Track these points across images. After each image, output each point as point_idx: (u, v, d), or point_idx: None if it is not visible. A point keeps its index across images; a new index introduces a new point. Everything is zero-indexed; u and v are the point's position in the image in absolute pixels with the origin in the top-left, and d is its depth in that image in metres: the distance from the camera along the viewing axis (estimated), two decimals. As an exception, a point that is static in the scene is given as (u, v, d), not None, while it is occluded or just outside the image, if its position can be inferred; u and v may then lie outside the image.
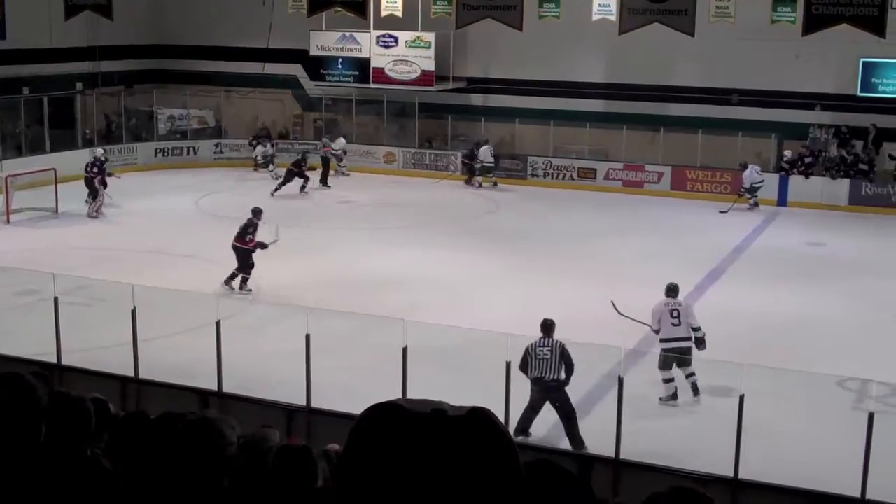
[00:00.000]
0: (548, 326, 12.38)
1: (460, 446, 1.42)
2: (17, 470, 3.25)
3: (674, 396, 13.62)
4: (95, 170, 25.01)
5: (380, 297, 17.75)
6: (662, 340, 13.82)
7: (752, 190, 26.23)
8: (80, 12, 31.04)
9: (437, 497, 1.40)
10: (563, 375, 12.01)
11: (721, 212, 25.13)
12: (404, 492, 1.40)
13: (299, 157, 29.25)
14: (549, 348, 12.10)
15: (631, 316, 14.62)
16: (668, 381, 13.66)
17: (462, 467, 1.41)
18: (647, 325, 14.20)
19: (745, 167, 26.91)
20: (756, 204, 26.69)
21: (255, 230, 18.93)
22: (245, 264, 18.60)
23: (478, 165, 30.19)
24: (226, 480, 4.12)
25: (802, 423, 12.80)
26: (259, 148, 32.22)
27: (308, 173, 28.67)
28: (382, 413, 1.47)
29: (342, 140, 31.98)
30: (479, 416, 1.46)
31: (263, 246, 18.60)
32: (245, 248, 18.60)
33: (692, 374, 13.60)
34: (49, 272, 15.01)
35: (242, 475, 4.77)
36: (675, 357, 13.69)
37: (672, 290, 14.24)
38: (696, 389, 13.59)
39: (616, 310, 14.56)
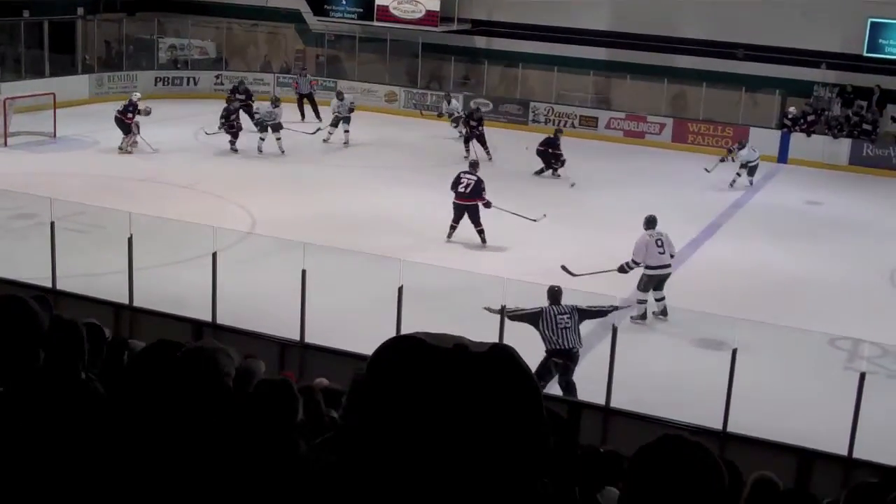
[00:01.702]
0: (556, 294, 12.06)
1: (482, 382, 1.39)
2: (14, 394, 3.24)
3: (643, 317, 14.66)
4: (130, 114, 24.64)
5: (376, 237, 17.73)
6: (648, 267, 14.90)
7: (752, 170, 24.68)
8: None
9: (456, 433, 1.37)
10: (581, 342, 11.86)
11: (706, 170, 24.64)
12: (423, 427, 1.37)
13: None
14: (567, 315, 11.77)
15: (587, 272, 14.91)
16: (642, 302, 14.73)
17: (484, 403, 1.39)
18: (608, 270, 14.99)
19: (742, 147, 25.04)
20: (751, 183, 24.76)
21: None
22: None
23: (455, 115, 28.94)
24: (222, 408, 4.11)
25: (793, 380, 12.85)
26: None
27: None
28: (403, 345, 1.43)
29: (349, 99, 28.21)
30: (501, 353, 1.43)
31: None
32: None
33: (663, 298, 14.85)
34: (46, 196, 14.94)
35: (234, 404, 4.77)
36: (657, 281, 14.74)
37: (651, 222, 15.22)
38: (664, 312, 14.87)
39: (570, 273, 14.57)
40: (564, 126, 28.93)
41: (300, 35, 35.56)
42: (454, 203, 18.51)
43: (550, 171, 24.45)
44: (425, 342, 1.43)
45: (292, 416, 4.41)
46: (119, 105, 24.95)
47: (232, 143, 25.17)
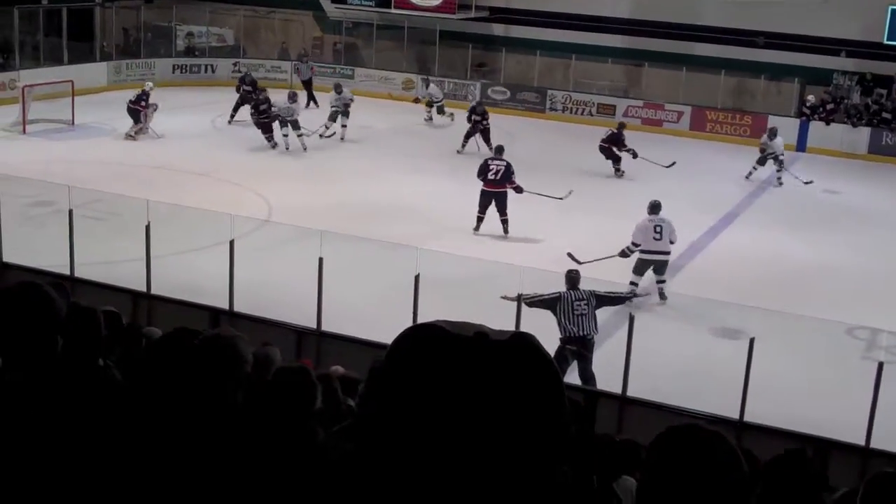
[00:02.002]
0: (574, 279, 11.94)
1: (504, 371, 1.39)
2: (33, 381, 3.25)
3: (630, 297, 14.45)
4: (143, 103, 24.74)
5: (393, 225, 17.73)
6: (642, 252, 15.05)
7: (781, 162, 23.75)
8: (102, -77, 30.71)
9: (477, 420, 1.37)
10: (596, 329, 11.81)
11: (746, 177, 23.81)
12: (443, 415, 1.37)
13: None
14: (584, 301, 11.67)
15: (592, 259, 14.94)
16: (634, 284, 14.67)
17: (505, 392, 1.38)
18: (611, 256, 15.13)
19: (773, 135, 24.19)
20: (780, 181, 23.79)
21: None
22: None
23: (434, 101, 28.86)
24: (240, 396, 4.13)
25: (810, 370, 12.81)
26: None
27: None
28: (423, 333, 1.43)
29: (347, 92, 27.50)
30: (522, 341, 1.43)
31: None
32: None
33: (663, 282, 15.06)
34: (64, 184, 14.99)
35: (252, 391, 4.79)
36: (650, 265, 14.94)
37: (655, 207, 15.37)
38: (662, 295, 15.01)
39: (575, 260, 14.54)
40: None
41: (318, 22, 35.56)
42: (483, 191, 18.15)
43: (613, 170, 23.44)
44: (446, 330, 1.43)
45: (311, 404, 4.42)
46: (132, 94, 25.00)
47: (268, 138, 24.44)
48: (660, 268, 15.12)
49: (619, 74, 31.34)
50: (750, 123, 28.52)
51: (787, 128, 27.39)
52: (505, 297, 11.94)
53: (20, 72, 27.81)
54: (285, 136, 24.14)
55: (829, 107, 28.29)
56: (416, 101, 29.55)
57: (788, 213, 21.13)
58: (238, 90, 26.56)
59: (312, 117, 26.29)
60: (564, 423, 1.43)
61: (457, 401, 1.37)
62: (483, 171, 18.23)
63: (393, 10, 32.96)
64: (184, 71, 33.04)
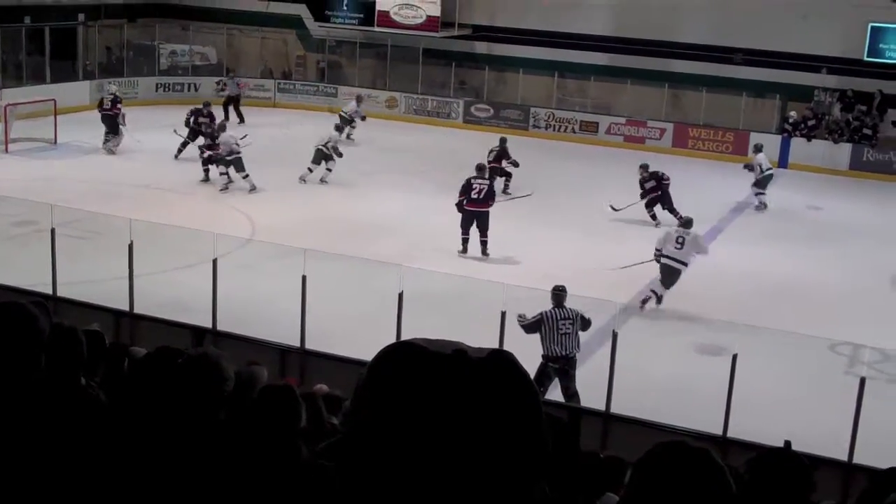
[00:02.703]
0: (560, 296, 11.93)
1: (482, 388, 1.40)
2: (17, 400, 3.24)
3: (656, 301, 15.71)
4: (119, 106, 24.79)
5: (376, 242, 17.73)
6: (663, 256, 15.82)
7: (763, 182, 23.27)
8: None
9: (456, 438, 1.38)
10: (579, 347, 11.86)
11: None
12: (422, 432, 1.38)
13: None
14: (569, 321, 11.70)
15: (632, 263, 16.08)
16: (659, 297, 15.76)
17: (484, 409, 1.39)
18: (648, 260, 15.89)
19: (757, 150, 24.01)
20: (765, 205, 23.32)
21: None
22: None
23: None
24: (222, 415, 4.12)
25: (793, 386, 12.84)
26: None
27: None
28: (402, 351, 1.44)
29: (353, 104, 28.55)
30: (500, 358, 1.44)
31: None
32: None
33: (665, 290, 15.77)
34: (47, 203, 14.95)
35: (236, 410, 4.78)
36: (671, 273, 15.73)
37: (686, 223, 16.29)
38: (659, 300, 15.79)
39: (615, 209, 16.00)
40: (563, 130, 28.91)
41: (301, 41, 35.61)
42: (466, 210, 17.95)
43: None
44: (424, 347, 1.44)
45: (295, 422, 4.42)
46: (105, 102, 25.09)
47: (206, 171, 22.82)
48: (670, 275, 15.73)
49: (601, 92, 31.45)
50: (732, 140, 28.68)
51: (769, 144, 27.46)
52: (521, 319, 11.93)
53: (2, 91, 27.71)
54: (222, 174, 22.03)
55: (810, 123, 28.46)
56: (332, 109, 29.86)
57: (771, 228, 21.23)
58: (188, 123, 24.81)
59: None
60: (542, 439, 1.44)
61: (435, 417, 1.38)
62: (466, 191, 18.02)
63: (376, 29, 33.03)
64: (167, 89, 33.01)
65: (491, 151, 22.71)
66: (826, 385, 12.97)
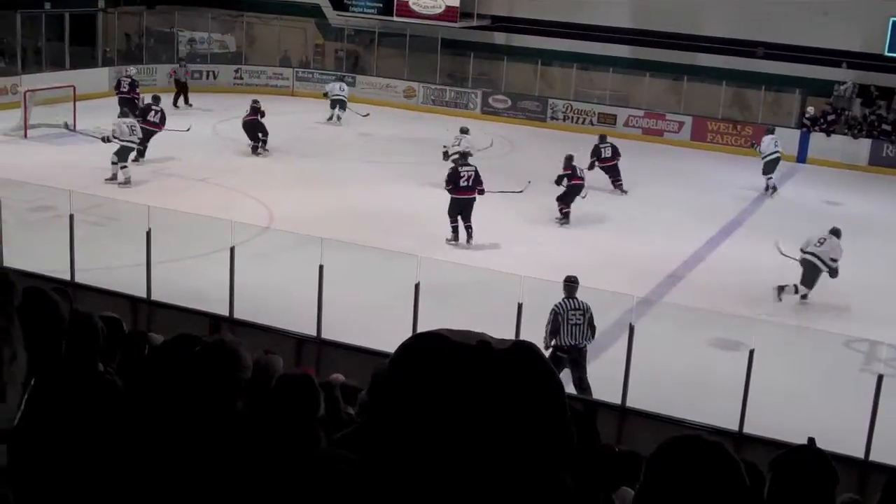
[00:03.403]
0: (572, 287, 11.96)
1: (507, 378, 1.39)
2: (37, 385, 3.25)
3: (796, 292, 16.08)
4: (137, 91, 25.05)
5: (394, 232, 17.72)
6: (805, 252, 16.41)
7: (766, 167, 23.87)
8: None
9: (481, 428, 1.37)
10: (590, 338, 11.87)
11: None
12: (447, 422, 1.37)
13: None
14: (580, 311, 11.73)
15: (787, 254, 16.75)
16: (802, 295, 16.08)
17: (508, 399, 1.39)
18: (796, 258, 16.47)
19: (767, 132, 24.70)
20: (775, 188, 23.96)
21: None
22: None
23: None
24: (239, 403, 4.13)
25: (809, 382, 12.80)
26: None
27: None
28: (427, 342, 1.43)
29: (463, 139, 22.98)
30: (525, 349, 1.43)
31: None
32: None
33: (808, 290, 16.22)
34: (65, 189, 15.00)
35: (253, 399, 4.79)
36: (812, 269, 16.20)
37: (835, 232, 16.72)
38: (804, 297, 16.16)
39: (781, 252, 16.45)
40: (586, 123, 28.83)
41: (320, 30, 35.59)
42: (454, 198, 18.07)
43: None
44: (449, 339, 1.43)
45: (314, 412, 4.42)
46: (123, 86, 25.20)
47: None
48: (811, 272, 16.16)
49: (619, 84, 31.35)
50: (751, 134, 28.54)
51: (787, 139, 27.39)
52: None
53: (22, 76, 27.80)
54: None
55: (829, 118, 28.32)
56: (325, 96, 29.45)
57: (788, 223, 21.09)
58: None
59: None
60: (567, 430, 1.44)
61: (461, 408, 1.37)
62: (454, 179, 18.12)
63: (395, 18, 33.00)
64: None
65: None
66: (842, 381, 12.93)
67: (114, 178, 20.88)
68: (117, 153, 21.11)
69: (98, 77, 30.05)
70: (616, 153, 23.02)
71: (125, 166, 21.12)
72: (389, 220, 18.88)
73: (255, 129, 24.21)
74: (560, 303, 11.83)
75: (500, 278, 13.33)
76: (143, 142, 22.44)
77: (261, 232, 17.10)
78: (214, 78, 33.21)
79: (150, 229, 13.63)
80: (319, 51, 35.69)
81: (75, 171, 21.01)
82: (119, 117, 22.03)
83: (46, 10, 30.92)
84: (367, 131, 27.57)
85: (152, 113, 23.19)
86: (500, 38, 33.38)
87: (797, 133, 28.28)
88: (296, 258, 14.88)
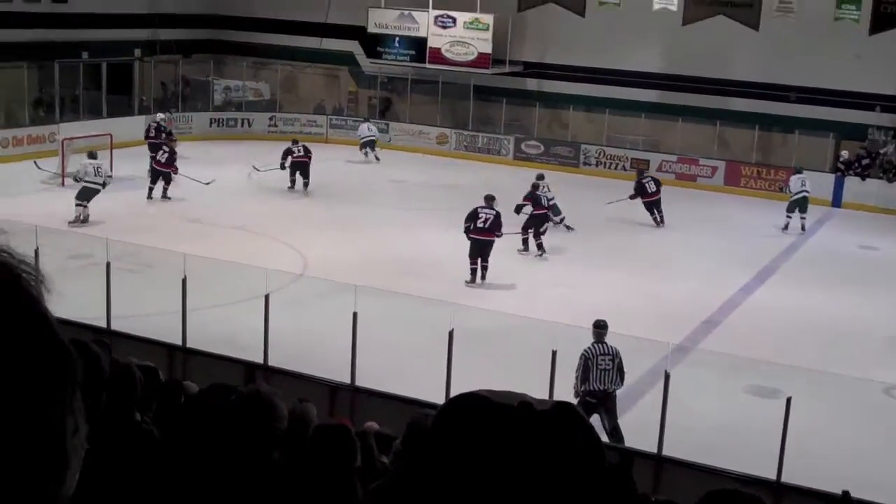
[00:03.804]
0: (601, 331, 11.89)
1: (548, 440, 1.40)
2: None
3: None
4: (164, 135, 25.55)
5: (427, 279, 17.75)
6: None
7: (791, 205, 24.37)
8: (142, -21, 31.21)
9: (521, 491, 1.38)
10: (619, 383, 11.80)
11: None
12: (489, 483, 1.38)
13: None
14: (609, 356, 11.68)
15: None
16: None
17: (549, 461, 1.39)
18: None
19: (798, 171, 25.15)
20: (803, 228, 24.37)
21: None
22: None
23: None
24: (276, 453, 4.13)
25: (848, 429, 12.66)
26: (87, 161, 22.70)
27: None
28: (469, 403, 1.44)
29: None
30: (565, 411, 1.44)
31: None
32: None
33: None
34: (101, 237, 15.14)
35: (288, 448, 4.78)
36: None
37: None
38: None
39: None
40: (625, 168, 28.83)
41: (353, 77, 35.91)
42: (473, 239, 18.32)
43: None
44: (490, 399, 1.44)
45: (351, 462, 4.42)
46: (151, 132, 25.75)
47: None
48: None
49: (652, 129, 31.36)
50: (784, 178, 28.45)
51: (822, 183, 27.31)
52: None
53: (60, 125, 28.19)
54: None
55: (864, 162, 28.18)
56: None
57: (825, 269, 20.98)
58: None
59: (374, 176, 26.60)
60: (606, 492, 1.44)
61: (501, 468, 1.38)
62: (472, 219, 18.43)
63: (427, 66, 33.23)
64: (221, 125, 33.39)
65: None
66: (882, 429, 12.77)
67: (77, 220, 21.24)
68: (80, 194, 21.63)
69: (135, 125, 30.39)
70: (658, 186, 23.55)
71: (84, 205, 21.57)
72: (422, 266, 18.91)
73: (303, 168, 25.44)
74: (589, 347, 11.78)
75: (533, 324, 13.30)
76: (153, 181, 23.98)
77: (295, 279, 17.16)
78: (249, 125, 33.52)
79: (185, 276, 13.72)
80: (353, 98, 35.98)
81: (112, 218, 21.22)
82: (87, 159, 22.54)
83: (84, 60, 31.38)
84: (401, 178, 27.70)
85: (160, 152, 24.18)
86: (531, 84, 33.53)
87: (832, 177, 28.15)
88: (329, 305, 14.92)
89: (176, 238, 18.81)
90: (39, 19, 30.49)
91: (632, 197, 23.33)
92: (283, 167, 25.59)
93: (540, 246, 20.18)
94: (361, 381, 12.64)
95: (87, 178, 21.73)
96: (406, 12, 33.11)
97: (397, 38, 33.47)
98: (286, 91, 35.87)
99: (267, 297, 13.37)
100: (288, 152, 25.68)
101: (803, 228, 24.16)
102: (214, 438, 4.18)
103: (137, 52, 34.42)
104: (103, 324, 13.86)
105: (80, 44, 31.56)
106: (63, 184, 24.69)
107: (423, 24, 32.81)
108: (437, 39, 32.79)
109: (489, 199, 19.03)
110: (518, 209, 20.22)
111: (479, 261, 18.23)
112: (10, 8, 30.01)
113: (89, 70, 31.34)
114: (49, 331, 0.97)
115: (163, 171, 23.92)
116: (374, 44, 33.88)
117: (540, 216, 20.27)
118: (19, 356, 0.94)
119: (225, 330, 14.35)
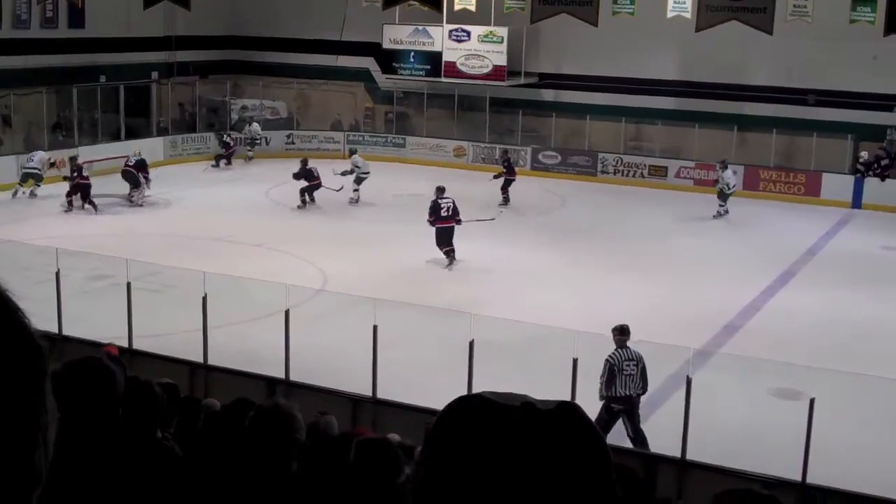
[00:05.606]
0: (623, 337, 11.83)
1: (550, 440, 1.41)
2: (95, 453, 3.30)
3: None
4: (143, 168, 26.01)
5: (444, 290, 17.77)
6: None
7: (723, 196, 26.05)
8: (158, 2, 31.33)
9: (525, 492, 1.38)
10: (642, 388, 11.76)
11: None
12: (491, 485, 1.39)
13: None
14: (633, 361, 11.63)
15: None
16: None
17: (552, 461, 1.40)
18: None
19: (724, 167, 26.28)
20: (726, 211, 26.08)
21: None
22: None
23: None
24: (294, 465, 4.15)
25: (872, 430, 12.58)
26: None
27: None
28: (470, 404, 1.45)
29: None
30: (569, 411, 1.44)
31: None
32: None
33: None
34: (121, 257, 15.22)
35: (309, 460, 4.81)
36: None
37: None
38: None
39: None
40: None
41: (369, 93, 36.03)
42: (438, 228, 20.21)
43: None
44: (492, 400, 1.45)
45: (396, 476, 4.43)
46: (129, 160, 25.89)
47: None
48: None
49: (669, 136, 31.30)
50: (803, 182, 28.36)
51: (842, 185, 27.23)
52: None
53: (79, 148, 28.39)
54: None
55: (883, 162, 28.05)
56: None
57: (845, 270, 20.88)
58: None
59: (390, 190, 26.64)
60: (611, 491, 1.44)
61: (504, 469, 1.38)
62: (436, 211, 20.38)
63: (443, 79, 33.30)
64: (238, 144, 33.50)
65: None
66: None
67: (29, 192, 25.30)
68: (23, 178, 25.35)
69: (153, 147, 30.58)
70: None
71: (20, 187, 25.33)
72: (442, 278, 18.93)
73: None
74: (613, 353, 11.74)
75: (553, 333, 13.29)
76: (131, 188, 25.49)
77: (314, 294, 17.21)
78: (267, 143, 33.63)
79: (205, 294, 13.77)
80: (369, 114, 36.10)
81: (132, 238, 21.33)
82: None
83: (102, 84, 31.60)
84: (417, 191, 27.71)
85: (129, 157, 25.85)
86: (547, 94, 33.56)
87: (851, 179, 28.04)
88: (350, 319, 14.96)
89: (198, 256, 18.88)
90: (57, 45, 30.72)
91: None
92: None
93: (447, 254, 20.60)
94: (383, 394, 12.65)
95: (28, 165, 25.49)
96: (420, 27, 33.21)
97: (412, 53, 33.57)
98: (303, 108, 35.99)
99: (287, 313, 13.42)
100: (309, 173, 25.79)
101: (727, 212, 25.83)
102: (235, 454, 4.20)
103: (154, 74, 34.64)
104: (125, 343, 13.93)
105: (98, 68, 31.81)
106: (83, 207, 24.78)
107: (438, 38, 32.90)
108: (452, 53, 32.87)
109: (442, 190, 20.86)
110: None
111: (445, 246, 20.10)
112: (28, 34, 30.28)
113: (107, 93, 31.53)
114: (27, 334, 1.12)
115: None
116: (390, 59, 34.00)
117: (442, 230, 20.55)
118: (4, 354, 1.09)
119: (246, 346, 14.40)
